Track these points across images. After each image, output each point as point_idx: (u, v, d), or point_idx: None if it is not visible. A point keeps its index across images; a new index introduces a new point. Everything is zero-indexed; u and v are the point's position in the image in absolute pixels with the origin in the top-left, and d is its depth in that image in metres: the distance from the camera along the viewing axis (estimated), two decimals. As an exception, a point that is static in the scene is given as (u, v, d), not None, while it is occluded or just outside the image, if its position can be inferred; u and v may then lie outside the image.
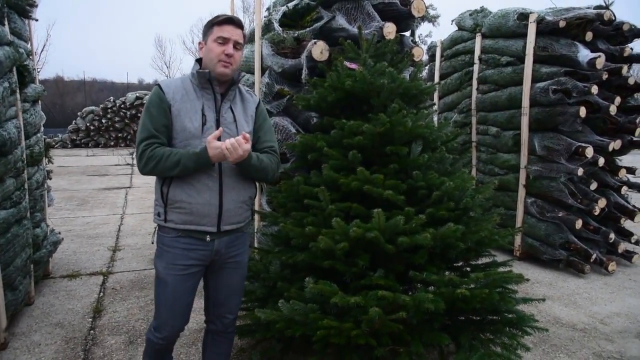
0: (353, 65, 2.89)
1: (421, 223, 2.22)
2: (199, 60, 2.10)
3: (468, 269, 2.69)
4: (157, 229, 2.10)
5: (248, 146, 1.92)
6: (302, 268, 2.45)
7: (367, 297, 2.03)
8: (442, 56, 6.23)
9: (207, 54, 2.02)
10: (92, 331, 3.26)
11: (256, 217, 3.63)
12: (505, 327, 2.35)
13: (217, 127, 2.01)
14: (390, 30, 3.21)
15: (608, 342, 3.18)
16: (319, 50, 3.05)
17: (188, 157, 1.91)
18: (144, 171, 1.96)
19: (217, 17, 2.02)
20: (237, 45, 2.02)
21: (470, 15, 5.70)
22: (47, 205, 4.34)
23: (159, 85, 2.03)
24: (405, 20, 3.51)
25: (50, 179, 4.48)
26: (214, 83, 2.03)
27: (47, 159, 4.44)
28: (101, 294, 3.95)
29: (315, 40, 3.08)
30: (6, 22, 3.20)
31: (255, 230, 3.58)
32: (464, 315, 2.50)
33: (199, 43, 2.10)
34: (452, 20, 6.00)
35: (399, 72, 2.83)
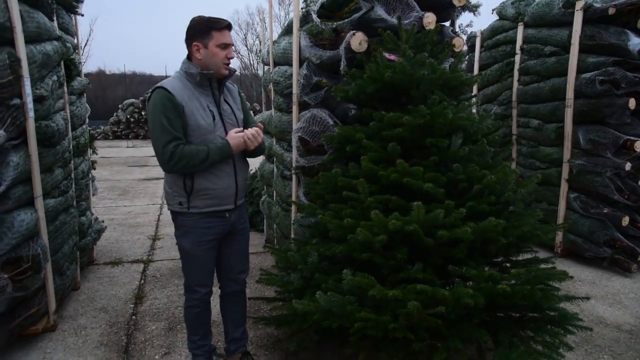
0: (392, 57, 2.85)
1: (461, 217, 2.18)
2: (188, 58, 2.27)
3: (508, 264, 2.63)
4: (176, 214, 2.34)
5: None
6: (340, 260, 2.45)
7: (405, 291, 2.01)
8: (482, 47, 6.07)
9: (210, 57, 2.21)
10: (134, 317, 3.37)
11: (293, 208, 3.65)
12: (546, 325, 2.29)
13: (222, 120, 2.30)
14: (430, 20, 3.15)
15: (656, 344, 3.05)
16: (357, 41, 3.02)
17: (214, 152, 2.18)
18: (173, 169, 2.17)
19: (215, 21, 2.20)
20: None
21: (512, 3, 5.52)
22: (92, 194, 4.50)
23: (165, 89, 2.16)
24: (445, 10, 3.43)
25: (95, 169, 4.65)
26: (213, 81, 2.28)
27: (91, 150, 4.60)
28: (142, 281, 4.07)
29: (354, 31, 3.05)
30: (55, 18, 3.32)
31: (292, 222, 3.61)
32: (503, 312, 2.44)
33: (194, 44, 2.20)
34: (493, 10, 5.83)
35: (439, 63, 2.78)
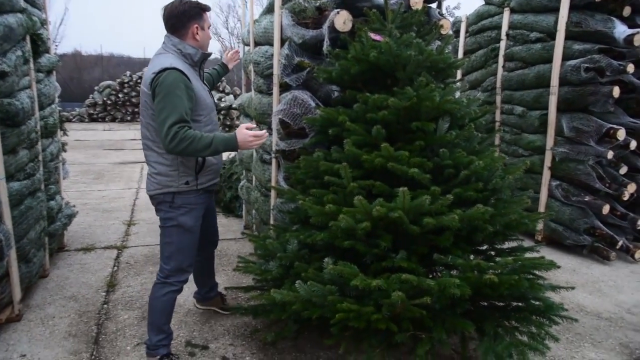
0: (378, 37, 2.74)
1: (447, 204, 2.10)
2: (180, 40, 2.33)
3: (492, 252, 2.57)
4: (174, 195, 2.35)
5: None
6: (321, 248, 2.36)
7: (389, 281, 1.93)
8: (467, 32, 5.98)
9: (206, 38, 2.40)
10: (105, 305, 3.23)
11: (272, 193, 3.54)
12: (531, 315, 2.24)
13: (212, 98, 2.49)
14: (417, 0, 3.04)
15: (636, 333, 3.05)
16: (342, 20, 2.89)
17: (219, 141, 2.19)
18: (174, 150, 2.16)
19: (204, 5, 2.36)
20: None
21: (498, -12, 5.43)
22: (62, 178, 4.30)
23: (179, 70, 2.18)
24: (432, -10, 3.33)
25: (65, 151, 4.43)
26: (203, 62, 2.45)
27: (62, 131, 4.38)
28: (115, 268, 3.92)
29: (339, 9, 2.92)
30: (18, -12, 3.10)
31: (272, 207, 3.49)
32: (487, 301, 2.39)
33: (195, 26, 2.32)
34: (479, -6, 5.74)
35: (426, 44, 2.67)
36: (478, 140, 2.57)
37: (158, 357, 2.44)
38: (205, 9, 2.37)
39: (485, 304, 2.39)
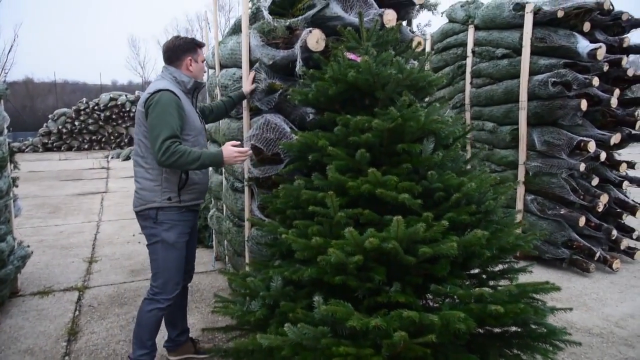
0: (354, 56, 2.62)
1: (442, 230, 1.96)
2: (175, 69, 2.60)
3: (484, 276, 2.45)
4: (157, 210, 2.49)
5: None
6: (307, 283, 2.17)
7: (389, 319, 1.76)
8: (432, 49, 6.01)
9: (199, 70, 2.67)
10: (67, 357, 2.92)
11: (246, 224, 3.33)
12: (534, 342, 2.11)
13: (202, 123, 2.73)
14: (390, 17, 2.95)
15: (629, 348, 2.99)
16: (314, 39, 2.77)
17: (207, 156, 2.40)
18: (166, 163, 2.34)
19: (199, 41, 2.70)
20: None
21: (461, 6, 5.50)
22: (14, 215, 3.95)
23: (173, 92, 2.44)
24: (403, 8, 3.27)
25: (17, 186, 4.09)
26: (196, 91, 2.69)
27: (12, 165, 4.05)
28: (77, 312, 3.59)
29: (311, 28, 2.80)
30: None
31: (247, 239, 3.28)
32: (483, 328, 2.25)
33: (189, 58, 2.60)
34: (442, 12, 5.78)
35: (404, 62, 2.57)
36: (464, 160, 2.47)
37: None
38: (199, 45, 2.67)
39: (482, 330, 2.26)
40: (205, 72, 2.71)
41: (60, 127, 20.27)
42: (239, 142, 2.50)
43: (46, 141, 20.27)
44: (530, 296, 2.08)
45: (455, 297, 1.97)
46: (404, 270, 2.03)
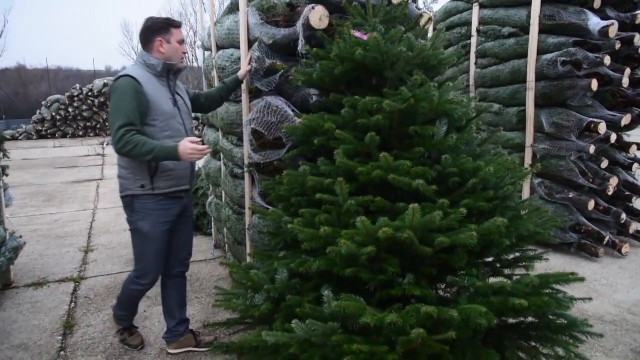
0: (358, 34, 2.46)
1: (459, 218, 1.84)
2: (145, 52, 2.49)
3: (498, 264, 2.34)
4: (132, 197, 2.48)
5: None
6: (314, 275, 2.05)
7: (405, 314, 1.64)
8: (434, 29, 5.81)
9: (173, 51, 2.50)
10: (62, 352, 2.81)
11: (247, 212, 3.20)
12: (554, 335, 2.00)
13: (178, 108, 2.56)
14: (397, -8, 2.79)
15: (644, 336, 2.90)
16: (317, 16, 2.61)
17: (160, 150, 2.29)
18: (121, 152, 2.30)
19: (172, 20, 2.56)
20: None
21: (465, -17, 5.30)
22: (5, 205, 3.81)
23: (133, 77, 2.36)
24: (410, -18, 3.09)
25: (7, 175, 3.94)
26: (170, 73, 2.54)
27: (1, 153, 3.89)
28: (72, 304, 3.47)
29: (313, 5, 2.63)
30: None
31: (247, 227, 3.15)
32: (499, 319, 2.14)
33: (158, 39, 2.46)
34: (446, -10, 5.59)
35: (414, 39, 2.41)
36: (478, 143, 2.34)
37: (120, 327, 2.83)
38: (172, 24, 2.51)
39: (497, 322, 2.15)
40: (185, 52, 2.57)
41: (53, 113, 19.96)
42: (199, 139, 2.42)
43: (40, 128, 19.98)
44: (551, 287, 1.97)
45: (472, 288, 1.85)
46: (417, 260, 1.91)
